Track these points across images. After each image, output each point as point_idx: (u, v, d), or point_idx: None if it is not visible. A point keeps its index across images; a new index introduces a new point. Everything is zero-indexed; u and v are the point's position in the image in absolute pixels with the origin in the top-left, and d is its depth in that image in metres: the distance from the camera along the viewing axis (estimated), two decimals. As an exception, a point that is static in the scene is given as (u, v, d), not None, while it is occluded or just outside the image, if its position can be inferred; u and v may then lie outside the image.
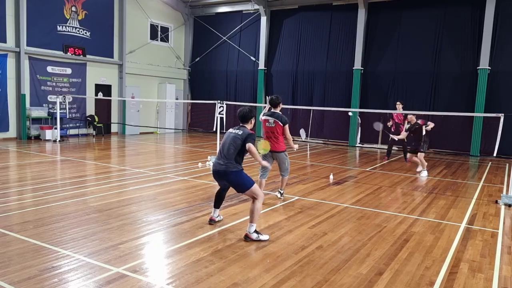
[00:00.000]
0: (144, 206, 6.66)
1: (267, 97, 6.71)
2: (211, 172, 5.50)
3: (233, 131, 5.36)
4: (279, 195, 7.44)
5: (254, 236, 5.13)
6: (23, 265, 4.15)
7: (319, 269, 4.34)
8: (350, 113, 15.36)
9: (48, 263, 4.24)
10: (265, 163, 5.71)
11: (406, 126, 11.08)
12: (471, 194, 8.55)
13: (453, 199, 7.99)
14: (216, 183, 5.81)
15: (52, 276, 3.92)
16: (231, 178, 5.21)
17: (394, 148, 14.41)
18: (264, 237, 5.19)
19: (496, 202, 7.74)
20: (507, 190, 8.15)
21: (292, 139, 7.13)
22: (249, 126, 5.47)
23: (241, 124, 5.48)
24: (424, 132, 10.74)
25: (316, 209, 6.81)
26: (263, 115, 7.17)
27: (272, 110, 7.05)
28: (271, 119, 6.94)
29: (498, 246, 5.30)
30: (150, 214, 6.21)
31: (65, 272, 4.04)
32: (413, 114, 10.95)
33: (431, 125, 10.97)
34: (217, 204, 5.80)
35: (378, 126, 13.52)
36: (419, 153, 10.59)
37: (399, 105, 12.92)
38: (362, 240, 5.33)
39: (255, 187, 5.24)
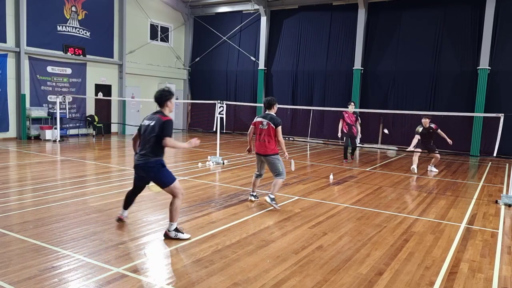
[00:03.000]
0: (144, 206, 6.66)
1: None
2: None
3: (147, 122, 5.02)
4: (268, 200, 6.65)
5: (173, 234, 5.01)
6: (23, 265, 4.15)
7: (319, 269, 4.33)
8: (386, 131, 14.53)
9: (48, 263, 4.23)
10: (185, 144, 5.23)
11: (419, 129, 10.87)
12: (471, 194, 8.55)
13: (453, 199, 7.99)
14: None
15: (52, 276, 3.92)
16: (151, 173, 4.99)
17: (394, 148, 14.39)
18: (185, 236, 5.05)
19: (496, 202, 7.73)
20: (507, 190, 8.14)
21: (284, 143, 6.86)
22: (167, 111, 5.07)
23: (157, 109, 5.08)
24: (436, 136, 10.98)
25: (316, 209, 6.80)
26: (257, 117, 6.96)
27: (267, 111, 6.84)
28: (265, 121, 6.69)
29: (498, 246, 5.30)
30: (150, 214, 6.21)
31: (65, 272, 4.04)
32: (424, 115, 10.96)
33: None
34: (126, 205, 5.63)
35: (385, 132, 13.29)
36: (435, 154, 11.14)
37: (351, 105, 12.46)
38: (362, 240, 5.33)
39: (176, 183, 5.03)
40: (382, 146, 16.69)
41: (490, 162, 13.60)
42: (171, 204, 5.01)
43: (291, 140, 18.20)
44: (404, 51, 16.68)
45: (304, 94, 18.99)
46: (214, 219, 6.03)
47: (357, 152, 14.75)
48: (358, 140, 13.01)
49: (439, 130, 11.01)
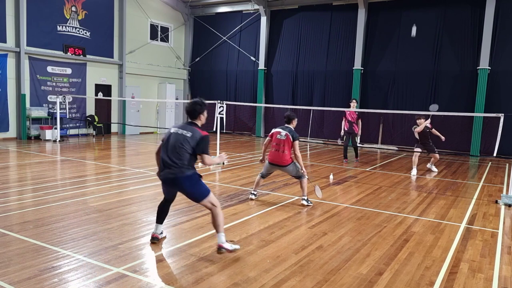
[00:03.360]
0: (144, 206, 6.66)
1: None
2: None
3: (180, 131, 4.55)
4: (305, 202, 7.02)
5: (228, 245, 4.54)
6: (23, 265, 4.15)
7: (319, 269, 4.33)
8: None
9: (48, 263, 4.23)
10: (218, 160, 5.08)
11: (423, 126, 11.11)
12: (471, 194, 8.55)
13: (453, 199, 7.99)
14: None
15: (52, 276, 3.92)
16: (185, 186, 4.53)
17: (394, 148, 14.38)
18: (236, 246, 4.68)
19: (496, 202, 7.73)
20: (507, 190, 8.14)
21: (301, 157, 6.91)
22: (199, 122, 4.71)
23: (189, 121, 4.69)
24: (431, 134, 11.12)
25: (316, 209, 6.80)
26: (275, 129, 7.19)
27: (286, 125, 7.11)
28: (283, 132, 6.93)
29: (498, 246, 5.30)
30: (150, 214, 6.20)
31: (65, 272, 4.04)
32: (419, 115, 11.00)
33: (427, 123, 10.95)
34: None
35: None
36: (435, 154, 11.20)
37: (353, 103, 12.57)
38: (362, 240, 5.33)
39: (211, 194, 4.63)
40: (382, 146, 16.69)
41: (490, 162, 13.60)
42: (213, 216, 4.54)
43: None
44: (404, 51, 16.68)
45: (304, 94, 18.99)
46: (214, 219, 6.02)
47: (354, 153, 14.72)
48: (358, 139, 12.99)
49: (433, 129, 11.16)
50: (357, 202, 7.46)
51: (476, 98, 15.18)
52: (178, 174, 4.43)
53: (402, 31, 16.68)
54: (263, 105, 19.34)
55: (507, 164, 13.07)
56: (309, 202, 7.03)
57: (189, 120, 4.68)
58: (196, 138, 4.44)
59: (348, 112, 12.39)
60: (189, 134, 4.46)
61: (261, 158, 7.51)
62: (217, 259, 4.48)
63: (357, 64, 17.41)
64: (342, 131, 12.62)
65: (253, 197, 7.30)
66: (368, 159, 13.74)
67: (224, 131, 13.09)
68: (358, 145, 13.41)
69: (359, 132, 12.70)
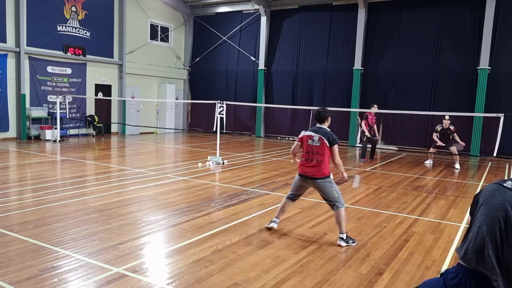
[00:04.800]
0: (144, 206, 6.66)
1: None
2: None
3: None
4: (343, 244, 5.11)
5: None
6: (23, 265, 4.15)
7: (319, 269, 4.33)
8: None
9: (48, 263, 4.24)
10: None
11: (438, 128, 11.75)
12: (471, 194, 8.55)
13: (453, 199, 7.99)
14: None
15: (52, 276, 3.92)
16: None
17: (394, 148, 14.38)
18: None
19: (496, 202, 7.72)
20: (507, 190, 8.13)
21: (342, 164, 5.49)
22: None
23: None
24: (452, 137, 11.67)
25: (316, 209, 6.80)
26: (305, 131, 5.49)
27: (318, 125, 5.39)
28: (316, 136, 5.25)
29: (498, 246, 5.29)
30: (150, 214, 6.21)
31: (65, 272, 4.04)
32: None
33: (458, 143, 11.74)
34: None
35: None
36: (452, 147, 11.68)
37: (375, 107, 12.61)
38: (362, 240, 5.33)
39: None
40: (382, 146, 16.69)
41: (490, 162, 13.59)
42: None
43: (291, 140, 18.19)
44: (404, 51, 16.67)
45: (304, 94, 18.99)
46: (214, 219, 6.02)
47: (357, 152, 14.75)
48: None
49: (455, 134, 11.58)
50: (357, 202, 7.46)
51: (476, 98, 15.17)
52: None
53: (402, 31, 16.68)
54: (263, 105, 19.34)
55: (507, 164, 13.06)
56: (351, 242, 5.16)
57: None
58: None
59: (370, 117, 12.61)
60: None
61: (292, 161, 5.97)
62: (217, 259, 4.48)
63: (357, 64, 17.41)
64: (367, 133, 12.51)
65: (274, 225, 5.60)
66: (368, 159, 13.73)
67: (224, 131, 13.11)
68: (358, 145, 13.43)
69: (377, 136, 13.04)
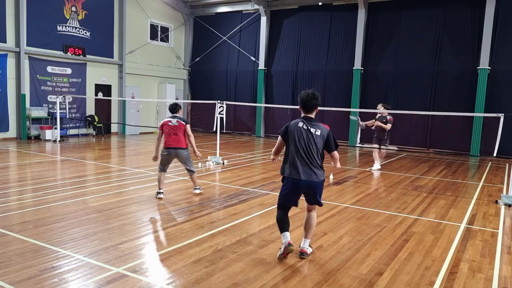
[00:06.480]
0: (144, 206, 6.66)
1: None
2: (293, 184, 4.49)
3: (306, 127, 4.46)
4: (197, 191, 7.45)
5: (310, 250, 4.69)
6: (23, 265, 4.14)
7: (319, 269, 4.33)
8: (352, 117, 14.25)
9: (48, 263, 4.23)
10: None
11: (376, 117, 11.64)
12: (471, 194, 8.55)
13: (453, 199, 7.99)
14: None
15: (52, 276, 3.92)
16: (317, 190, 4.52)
17: (394, 148, 14.37)
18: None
19: (496, 202, 7.73)
20: (507, 190, 8.14)
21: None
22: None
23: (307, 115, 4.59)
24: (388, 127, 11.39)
25: (316, 209, 6.79)
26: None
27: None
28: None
29: (498, 246, 5.30)
30: (150, 214, 6.21)
31: (65, 272, 4.04)
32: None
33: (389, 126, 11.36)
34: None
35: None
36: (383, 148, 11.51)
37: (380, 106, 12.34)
38: (362, 240, 5.33)
39: None
40: (382, 146, 16.65)
41: (490, 162, 13.59)
42: (313, 218, 4.65)
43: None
44: (404, 51, 16.67)
45: (304, 94, 18.96)
46: (214, 219, 6.02)
47: (357, 152, 14.75)
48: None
49: (389, 124, 11.25)
50: (357, 202, 7.46)
51: (476, 98, 15.17)
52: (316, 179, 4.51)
53: (402, 31, 16.68)
54: (263, 105, 19.34)
55: (507, 164, 13.06)
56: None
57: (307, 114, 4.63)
58: (324, 134, 4.56)
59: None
60: (318, 132, 4.52)
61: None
62: (217, 259, 4.48)
63: (357, 64, 17.41)
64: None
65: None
66: (368, 159, 13.74)
67: (224, 131, 13.10)
68: (358, 145, 13.42)
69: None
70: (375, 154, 11.72)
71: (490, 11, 14.87)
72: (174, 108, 7.54)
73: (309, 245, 4.71)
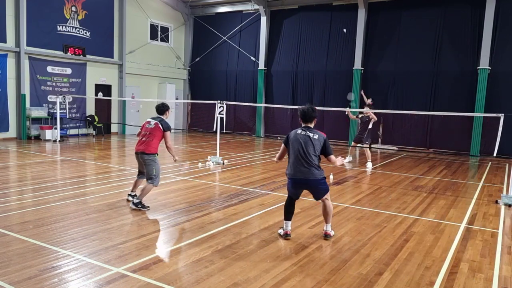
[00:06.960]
0: (144, 206, 6.65)
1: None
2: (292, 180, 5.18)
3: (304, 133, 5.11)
4: (133, 206, 6.35)
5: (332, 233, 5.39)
6: (23, 265, 4.15)
7: (319, 269, 4.33)
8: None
9: (48, 263, 4.24)
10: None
11: (359, 115, 11.79)
12: (471, 194, 8.55)
13: (453, 199, 7.99)
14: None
15: (52, 276, 3.92)
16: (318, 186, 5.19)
17: (394, 148, 14.36)
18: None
19: (496, 202, 7.73)
20: (507, 190, 8.14)
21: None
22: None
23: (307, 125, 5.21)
24: (370, 126, 11.73)
25: (316, 209, 6.79)
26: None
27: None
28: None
29: (498, 246, 5.30)
30: (150, 214, 6.21)
31: (65, 272, 4.04)
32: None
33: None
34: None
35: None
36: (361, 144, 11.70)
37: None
38: (362, 240, 5.33)
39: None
40: (382, 146, 16.69)
41: (490, 162, 13.59)
42: (328, 206, 5.30)
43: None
44: (404, 51, 16.67)
45: (304, 94, 18.98)
46: (214, 219, 6.03)
47: (357, 152, 14.74)
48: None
49: (371, 116, 11.57)
50: (357, 202, 7.46)
51: (476, 98, 15.18)
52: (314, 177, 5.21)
53: (402, 31, 16.68)
54: (263, 105, 19.34)
55: (507, 164, 13.06)
56: (140, 206, 6.34)
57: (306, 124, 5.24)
58: (321, 140, 5.17)
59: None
60: (315, 136, 5.13)
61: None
62: (217, 259, 4.48)
63: (357, 64, 17.41)
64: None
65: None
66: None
67: (224, 131, 13.09)
68: (358, 145, 13.40)
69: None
70: (368, 153, 11.93)
71: (490, 11, 14.87)
72: (159, 108, 6.58)
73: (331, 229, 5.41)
